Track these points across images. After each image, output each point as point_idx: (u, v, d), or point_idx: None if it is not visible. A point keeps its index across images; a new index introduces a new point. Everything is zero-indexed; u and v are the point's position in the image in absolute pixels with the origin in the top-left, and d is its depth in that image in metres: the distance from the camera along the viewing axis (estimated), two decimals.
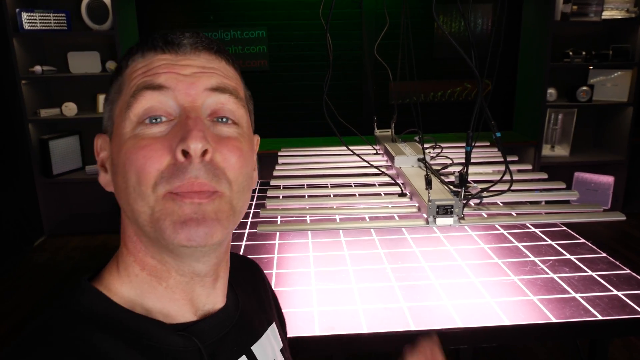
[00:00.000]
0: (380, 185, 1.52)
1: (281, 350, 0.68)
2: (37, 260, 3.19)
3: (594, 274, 1.30)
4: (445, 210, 1.02)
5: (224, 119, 0.54)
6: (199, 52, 0.55)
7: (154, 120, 0.51)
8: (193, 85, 0.52)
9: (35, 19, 3.29)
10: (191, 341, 0.54)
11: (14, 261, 3.11)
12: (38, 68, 3.34)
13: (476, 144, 1.74)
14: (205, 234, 0.50)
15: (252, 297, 0.69)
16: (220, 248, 0.57)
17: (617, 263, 1.35)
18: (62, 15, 3.37)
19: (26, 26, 3.26)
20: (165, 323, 0.53)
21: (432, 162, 1.59)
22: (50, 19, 3.34)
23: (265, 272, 1.35)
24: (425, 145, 1.68)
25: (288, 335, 1.06)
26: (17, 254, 3.18)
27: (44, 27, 3.32)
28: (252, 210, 1.86)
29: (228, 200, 0.52)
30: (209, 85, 0.53)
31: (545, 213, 1.17)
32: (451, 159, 1.62)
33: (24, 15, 3.24)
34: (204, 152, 0.50)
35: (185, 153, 0.49)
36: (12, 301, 2.66)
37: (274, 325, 0.70)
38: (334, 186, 1.63)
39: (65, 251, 3.31)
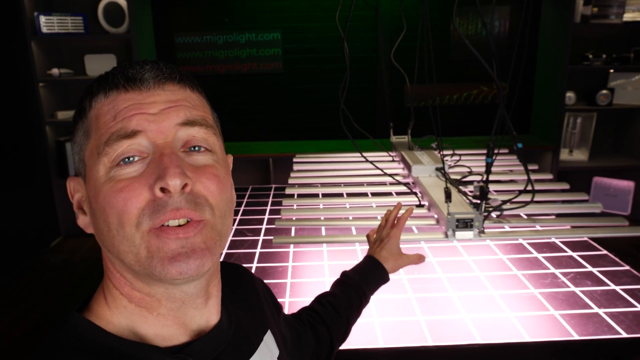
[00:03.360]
0: (398, 194, 1.49)
1: (278, 358, 0.69)
2: (54, 262, 3.22)
3: (617, 287, 1.26)
4: (464, 224, 0.99)
5: (197, 148, 0.54)
6: (162, 84, 0.54)
7: (127, 160, 0.51)
8: (163, 123, 0.52)
9: (53, 22, 3.32)
10: None
11: (30, 262, 3.15)
12: (55, 71, 3.38)
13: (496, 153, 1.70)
14: (196, 266, 0.51)
15: (242, 307, 0.69)
16: (210, 271, 0.57)
17: None
18: (79, 18, 3.40)
19: (44, 29, 3.29)
20: (161, 347, 0.54)
21: (449, 170, 1.57)
22: (67, 22, 3.37)
23: (279, 281, 1.35)
24: (443, 153, 1.65)
25: None
26: (33, 255, 3.22)
27: (61, 30, 3.35)
28: (266, 216, 1.85)
29: (212, 226, 0.53)
30: (179, 121, 0.53)
31: (571, 227, 1.14)
32: (469, 167, 1.59)
33: (42, 18, 3.28)
34: (184, 186, 0.50)
35: (164, 189, 0.50)
36: (29, 302, 2.69)
37: (269, 332, 0.70)
38: (349, 195, 1.61)
39: (81, 252, 3.33)
